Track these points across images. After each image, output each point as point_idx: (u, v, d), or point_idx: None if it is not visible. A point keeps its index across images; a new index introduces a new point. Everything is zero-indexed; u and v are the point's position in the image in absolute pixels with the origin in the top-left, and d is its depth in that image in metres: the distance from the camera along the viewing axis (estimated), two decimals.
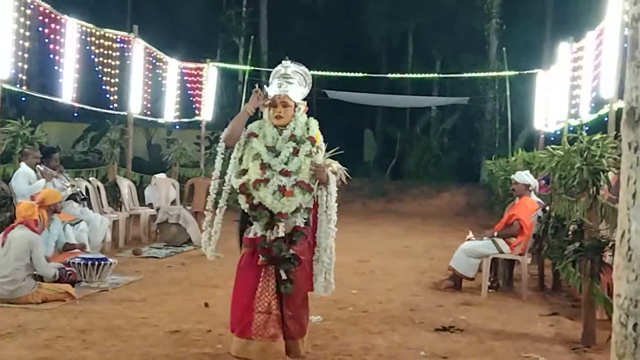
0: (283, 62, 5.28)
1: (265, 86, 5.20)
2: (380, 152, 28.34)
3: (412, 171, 27.13)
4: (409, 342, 6.34)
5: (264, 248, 4.91)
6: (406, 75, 25.63)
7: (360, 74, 21.96)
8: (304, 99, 5.29)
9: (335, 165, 5.10)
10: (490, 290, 8.75)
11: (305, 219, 5.02)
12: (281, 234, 4.89)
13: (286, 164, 4.94)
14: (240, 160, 5.06)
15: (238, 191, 4.94)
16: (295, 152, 4.97)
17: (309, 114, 5.24)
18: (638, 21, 1.59)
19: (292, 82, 5.13)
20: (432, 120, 28.58)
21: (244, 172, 4.97)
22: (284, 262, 4.90)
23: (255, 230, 4.99)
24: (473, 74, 23.20)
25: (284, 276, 4.91)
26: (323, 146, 5.11)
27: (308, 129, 5.08)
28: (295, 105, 5.11)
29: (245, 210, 5.01)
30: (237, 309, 5.08)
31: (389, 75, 24.94)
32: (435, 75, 26.10)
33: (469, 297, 8.52)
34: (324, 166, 4.98)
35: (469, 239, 9.10)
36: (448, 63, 27.18)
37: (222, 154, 5.15)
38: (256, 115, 5.33)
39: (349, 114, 27.01)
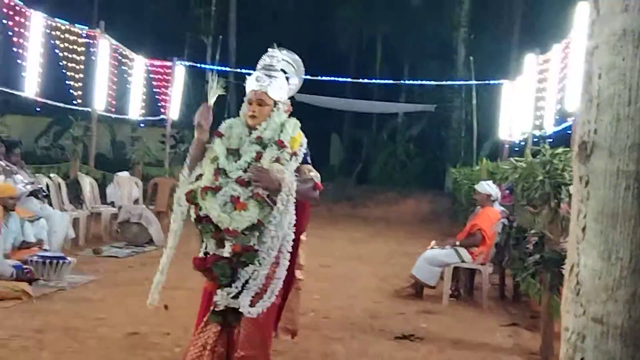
0: (269, 50, 4.44)
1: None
2: (346, 156, 28.40)
3: (377, 176, 27.20)
4: (368, 350, 6.33)
5: (207, 269, 4.06)
6: (374, 81, 25.70)
7: (328, 78, 21.97)
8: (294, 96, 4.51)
9: (313, 173, 4.23)
10: (451, 299, 8.78)
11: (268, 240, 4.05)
12: (225, 254, 4.02)
13: (245, 171, 4.07)
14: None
15: (185, 200, 4.12)
16: (259, 158, 4.11)
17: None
18: (592, 55, 1.61)
19: (275, 75, 4.30)
20: (399, 126, 28.70)
21: (200, 177, 4.18)
22: (228, 286, 4.02)
23: (206, 247, 4.16)
24: (440, 82, 23.34)
25: (221, 304, 4.02)
26: (302, 152, 4.23)
27: (282, 131, 4.20)
28: (275, 104, 4.27)
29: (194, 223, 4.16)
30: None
31: (357, 80, 24.99)
32: (403, 82, 26.18)
33: (430, 305, 8.54)
34: (270, 170, 4.06)
35: (431, 248, 9.12)
36: (416, 70, 27.29)
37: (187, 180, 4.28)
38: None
39: (315, 118, 26.98)
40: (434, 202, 23.56)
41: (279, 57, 4.41)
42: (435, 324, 7.57)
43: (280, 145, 4.14)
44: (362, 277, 10.37)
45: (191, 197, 4.08)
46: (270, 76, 4.27)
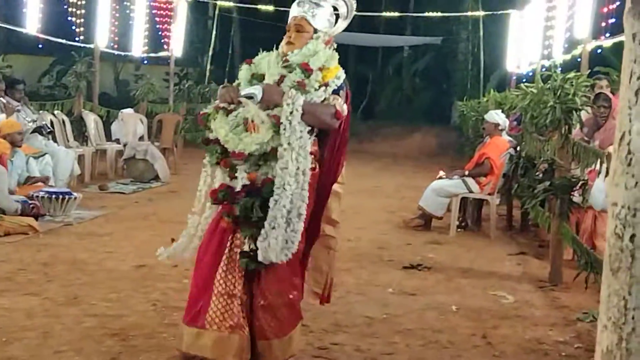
0: None
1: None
2: (351, 91, 28.08)
3: (383, 112, 27.00)
4: (377, 279, 6.32)
5: (226, 204, 3.75)
6: (379, 14, 25.29)
7: None
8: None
9: (338, 101, 3.83)
10: (458, 230, 8.75)
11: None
12: (240, 183, 3.71)
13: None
14: None
15: (198, 122, 3.86)
16: (281, 81, 3.80)
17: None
18: None
19: (321, 4, 3.98)
20: (405, 60, 28.35)
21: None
22: (248, 226, 3.71)
23: (216, 177, 3.87)
24: (446, 14, 22.95)
25: (246, 247, 3.71)
26: (335, 85, 3.85)
27: (313, 57, 3.85)
28: (316, 32, 3.94)
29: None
30: (192, 289, 3.89)
31: (362, 13, 24.57)
32: (408, 14, 25.76)
33: (438, 236, 8.51)
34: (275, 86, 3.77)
35: (439, 178, 9.06)
36: (422, 2, 26.85)
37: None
38: None
39: None
40: (440, 136, 23.45)
41: None
42: (443, 254, 7.55)
43: (306, 68, 3.80)
44: (370, 210, 10.33)
45: (204, 119, 3.79)
46: (315, 4, 3.97)
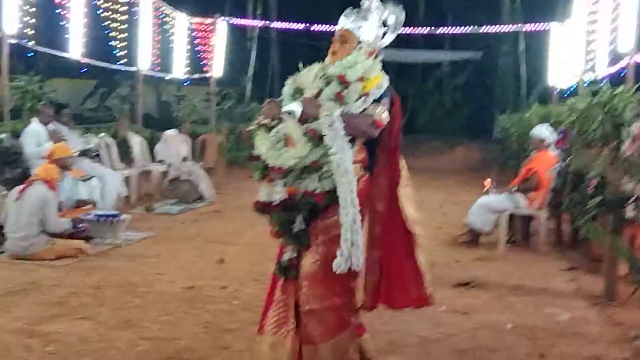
0: None
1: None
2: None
3: (424, 126, 26.88)
4: None
5: (270, 217, 3.88)
6: (418, 30, 25.21)
7: None
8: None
9: (378, 110, 3.80)
10: (507, 246, 8.63)
11: (330, 186, 3.71)
12: (277, 196, 3.77)
13: None
14: None
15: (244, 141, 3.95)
16: (318, 94, 3.84)
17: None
18: None
19: (368, 17, 4.01)
20: (444, 75, 28.25)
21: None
22: (289, 237, 3.83)
23: (261, 193, 3.90)
24: (486, 29, 22.79)
25: (286, 255, 3.85)
26: (376, 94, 3.83)
27: (350, 68, 3.83)
28: (359, 43, 3.96)
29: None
30: (264, 303, 4.00)
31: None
32: (447, 29, 25.62)
33: (486, 252, 8.40)
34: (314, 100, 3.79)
35: (486, 190, 8.96)
36: (460, 18, 26.72)
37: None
38: None
39: None
40: (482, 150, 23.23)
41: (378, 5, 4.06)
42: (492, 271, 7.45)
43: (342, 80, 3.79)
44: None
45: (249, 137, 3.86)
46: (361, 17, 4.02)
